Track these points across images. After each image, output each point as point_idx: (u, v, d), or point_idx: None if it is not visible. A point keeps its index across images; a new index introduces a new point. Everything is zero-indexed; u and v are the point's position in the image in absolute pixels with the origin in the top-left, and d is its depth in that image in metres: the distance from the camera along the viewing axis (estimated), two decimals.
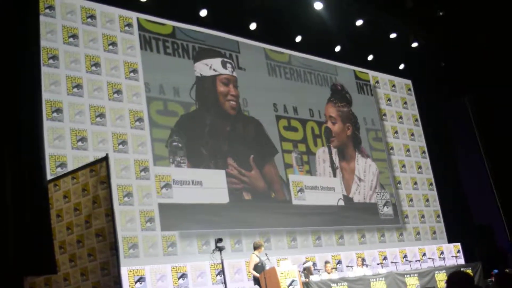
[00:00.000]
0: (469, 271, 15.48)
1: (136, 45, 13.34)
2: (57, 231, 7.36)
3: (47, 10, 11.97)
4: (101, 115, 12.12)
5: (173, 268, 11.83)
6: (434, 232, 18.57)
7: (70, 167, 10.78)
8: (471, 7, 16.58)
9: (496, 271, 15.86)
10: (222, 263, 10.16)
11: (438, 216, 19.02)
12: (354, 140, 17.31)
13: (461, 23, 17.33)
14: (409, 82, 20.45)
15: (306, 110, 16.43)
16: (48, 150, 10.95)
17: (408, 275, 14.21)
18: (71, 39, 12.20)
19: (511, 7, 16.41)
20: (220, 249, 10.15)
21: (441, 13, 16.78)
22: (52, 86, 11.56)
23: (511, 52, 18.12)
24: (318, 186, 15.68)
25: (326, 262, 13.73)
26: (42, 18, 11.65)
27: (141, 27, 13.51)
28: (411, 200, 18.31)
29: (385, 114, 18.99)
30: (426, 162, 19.60)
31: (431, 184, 19.36)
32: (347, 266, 14.58)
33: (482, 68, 19.13)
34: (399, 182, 18.24)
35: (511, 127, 19.01)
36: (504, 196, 19.66)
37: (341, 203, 16.08)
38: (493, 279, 15.67)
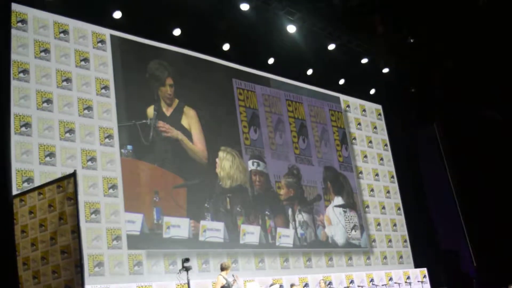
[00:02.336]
0: None
1: (108, 61, 13.29)
2: (21, 247, 7.26)
3: (19, 24, 11.88)
4: (71, 131, 12.02)
5: None
6: (401, 257, 18.68)
7: (37, 183, 10.65)
8: (440, 34, 16.92)
9: None
10: (188, 283, 10.08)
11: (405, 241, 19.15)
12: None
13: (431, 50, 17.66)
14: (379, 107, 20.67)
15: None
16: (15, 165, 10.81)
17: None
18: (42, 54, 12.11)
19: (479, 34, 16.79)
20: (187, 269, 10.07)
21: (411, 40, 17.07)
22: (22, 100, 11.44)
23: (479, 78, 18.48)
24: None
25: (292, 285, 13.68)
26: (13, 32, 11.60)
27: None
28: (378, 224, 18.42)
29: (355, 138, 19.15)
30: (394, 186, 19.76)
31: (399, 208, 19.51)
32: None
33: (450, 94, 19.46)
34: (367, 206, 18.35)
35: (478, 154, 19.30)
36: (469, 221, 19.90)
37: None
38: None
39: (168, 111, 14.02)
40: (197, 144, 14.35)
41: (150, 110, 13.64)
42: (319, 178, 17.23)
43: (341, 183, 17.77)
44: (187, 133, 14.25)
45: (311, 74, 17.92)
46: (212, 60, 15.64)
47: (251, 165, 15.50)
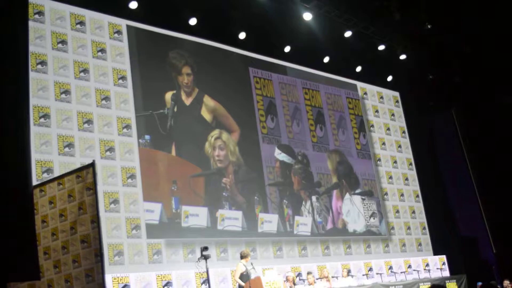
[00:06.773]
0: (454, 283, 15.58)
1: (125, 52, 13.33)
2: (42, 237, 7.33)
3: (36, 16, 11.95)
4: (89, 122, 12.09)
5: (158, 276, 11.78)
6: (420, 244, 18.62)
7: (56, 173, 10.73)
8: (458, 20, 16.75)
9: (480, 283, 15.96)
10: (207, 271, 10.13)
11: (424, 228, 19.08)
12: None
13: (448, 36, 17.50)
14: (397, 94, 20.55)
15: None
16: (35, 156, 10.91)
17: (393, 287, 14.24)
18: (60, 45, 12.17)
19: (497, 18, 16.61)
20: (206, 257, 10.12)
21: (429, 26, 16.92)
22: (40, 91, 11.52)
23: (496, 65, 18.30)
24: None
25: (309, 273, 13.68)
26: (31, 24, 11.65)
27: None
28: (397, 211, 18.36)
29: (372, 126, 19.07)
30: (412, 174, 19.68)
31: (417, 196, 19.43)
32: (333, 277, 14.57)
33: (468, 80, 19.31)
34: (386, 194, 18.29)
35: (496, 140, 19.16)
36: (488, 208, 19.79)
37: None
38: None
39: (187, 100, 14.06)
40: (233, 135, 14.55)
41: (168, 99, 13.67)
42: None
43: (356, 177, 17.62)
44: (208, 126, 14.32)
45: (327, 62, 17.86)
46: (228, 49, 15.64)
47: None
